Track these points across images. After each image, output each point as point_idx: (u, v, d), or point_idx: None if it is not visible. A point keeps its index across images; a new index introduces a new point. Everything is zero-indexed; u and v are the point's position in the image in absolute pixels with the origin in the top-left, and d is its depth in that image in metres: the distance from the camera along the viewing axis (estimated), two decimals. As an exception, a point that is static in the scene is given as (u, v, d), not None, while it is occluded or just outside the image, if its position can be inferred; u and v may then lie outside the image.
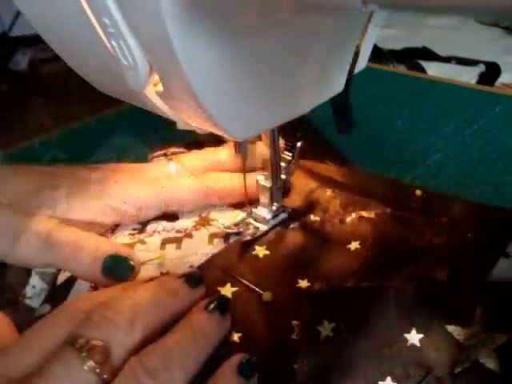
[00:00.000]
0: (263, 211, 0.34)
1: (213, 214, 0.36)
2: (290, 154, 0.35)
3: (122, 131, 0.54)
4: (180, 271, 0.31)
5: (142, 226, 0.35)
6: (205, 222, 0.35)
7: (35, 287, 0.32)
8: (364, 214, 0.34)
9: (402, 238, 0.32)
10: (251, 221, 0.34)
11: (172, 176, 0.37)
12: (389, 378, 0.24)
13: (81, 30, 0.23)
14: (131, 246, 0.34)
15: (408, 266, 0.29)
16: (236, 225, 0.34)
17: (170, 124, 0.29)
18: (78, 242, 0.30)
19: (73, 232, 0.31)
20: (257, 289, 0.29)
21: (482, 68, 0.76)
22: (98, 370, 0.22)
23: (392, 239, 0.32)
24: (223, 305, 0.26)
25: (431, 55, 0.81)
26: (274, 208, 0.34)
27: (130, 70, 0.22)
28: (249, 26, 0.21)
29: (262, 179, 0.34)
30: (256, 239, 0.33)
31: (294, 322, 0.27)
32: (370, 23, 0.27)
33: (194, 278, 0.28)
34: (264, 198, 0.34)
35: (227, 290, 0.30)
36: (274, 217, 0.34)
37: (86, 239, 0.31)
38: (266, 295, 0.29)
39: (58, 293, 0.32)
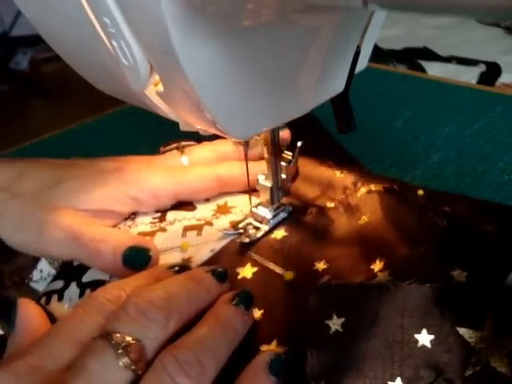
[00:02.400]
0: (263, 211, 0.34)
1: (230, 202, 0.37)
2: (291, 154, 0.35)
3: (122, 131, 0.54)
4: (201, 256, 0.32)
5: (162, 214, 0.36)
6: (224, 210, 0.36)
7: (43, 271, 0.33)
8: (372, 187, 0.34)
9: (410, 213, 0.32)
10: (251, 221, 0.34)
11: (185, 166, 0.38)
12: (399, 379, 0.23)
13: (81, 30, 0.23)
14: (152, 234, 0.34)
15: (419, 250, 0.29)
16: (234, 226, 0.34)
17: (171, 124, 0.29)
18: (101, 237, 0.31)
19: (96, 227, 0.32)
20: (277, 269, 0.30)
21: (482, 68, 0.76)
22: (133, 367, 0.22)
23: (400, 214, 0.32)
24: (248, 300, 0.27)
25: (431, 55, 0.81)
26: (275, 207, 0.34)
27: (131, 69, 0.22)
28: (249, 26, 0.21)
29: (262, 179, 0.34)
30: (256, 241, 0.33)
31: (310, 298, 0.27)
32: (371, 23, 0.27)
33: (220, 272, 0.29)
34: (264, 198, 0.34)
35: (247, 271, 0.30)
36: (274, 216, 0.34)
37: (108, 234, 0.31)
38: (288, 274, 0.30)
39: (72, 271, 0.32)
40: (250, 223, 0.34)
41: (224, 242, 0.33)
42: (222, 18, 0.20)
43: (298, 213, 0.35)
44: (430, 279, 0.27)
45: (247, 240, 0.33)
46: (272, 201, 0.34)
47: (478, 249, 0.29)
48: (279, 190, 0.34)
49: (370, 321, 0.25)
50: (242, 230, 0.34)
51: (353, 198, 0.34)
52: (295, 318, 0.27)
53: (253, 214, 0.35)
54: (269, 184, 0.34)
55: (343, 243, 0.32)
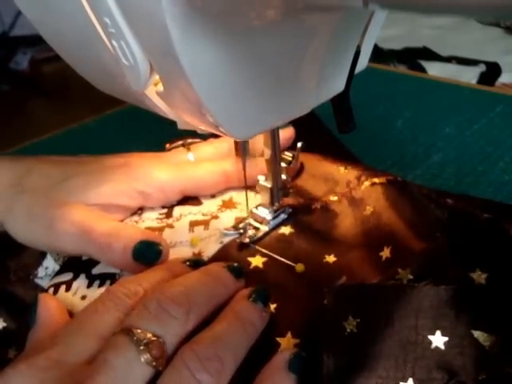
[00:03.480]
0: (263, 212, 0.34)
1: (235, 198, 0.37)
2: (291, 154, 0.35)
3: (122, 131, 0.54)
4: (211, 249, 0.32)
5: (168, 210, 0.36)
6: (229, 205, 0.36)
7: (48, 268, 0.33)
8: (376, 180, 0.35)
9: (415, 202, 0.32)
10: (251, 221, 0.34)
11: (192, 162, 0.38)
12: (411, 380, 0.23)
13: (81, 30, 0.23)
14: (160, 230, 0.34)
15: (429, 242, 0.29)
16: (235, 226, 0.34)
17: (171, 124, 0.29)
18: (111, 231, 0.31)
19: (106, 222, 0.32)
20: (287, 261, 0.30)
21: (482, 68, 0.76)
22: (154, 363, 0.22)
23: (404, 202, 0.32)
24: (265, 296, 0.27)
25: (432, 55, 0.81)
26: (275, 208, 0.34)
27: (131, 69, 0.22)
28: (249, 27, 0.21)
29: (262, 179, 0.34)
30: (256, 241, 0.33)
31: (325, 290, 0.27)
32: (371, 23, 0.27)
33: (237, 268, 0.29)
34: (264, 199, 0.34)
35: (258, 260, 0.31)
36: (274, 217, 0.34)
37: (118, 229, 0.31)
38: (299, 266, 0.30)
39: (82, 265, 0.32)
40: (250, 224, 0.34)
41: (234, 236, 0.33)
42: (223, 18, 0.20)
43: (303, 208, 0.35)
44: (450, 280, 0.26)
45: (247, 240, 0.33)
46: (272, 202, 0.34)
47: (500, 249, 0.28)
48: (279, 190, 0.34)
49: (384, 321, 0.25)
50: (241, 231, 0.34)
51: (357, 192, 0.35)
52: (309, 309, 0.27)
53: (253, 215, 0.34)
54: (269, 185, 0.34)
55: (350, 235, 0.32)
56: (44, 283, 0.33)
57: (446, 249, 0.29)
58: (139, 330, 0.23)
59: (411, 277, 0.28)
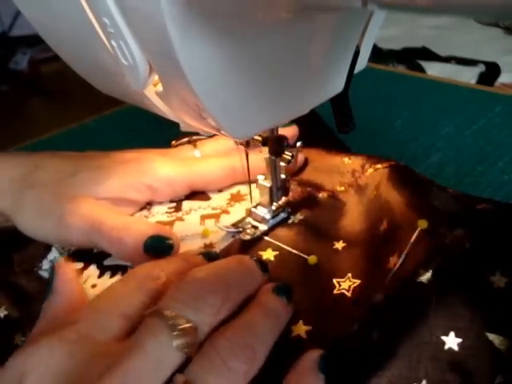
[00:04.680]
0: (263, 211, 0.34)
1: (243, 191, 0.37)
2: (290, 154, 0.35)
3: (121, 131, 0.54)
4: (223, 242, 0.33)
5: (177, 204, 0.37)
6: (238, 198, 0.37)
7: (52, 261, 0.34)
8: (379, 166, 0.35)
9: (418, 185, 0.33)
10: (250, 220, 0.34)
11: (199, 158, 0.38)
12: (424, 381, 0.23)
13: (81, 30, 0.23)
14: (171, 223, 0.35)
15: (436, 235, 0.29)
16: (235, 225, 0.34)
17: (170, 124, 0.29)
18: (122, 225, 0.31)
19: (116, 216, 0.32)
20: (299, 253, 0.31)
21: (481, 68, 0.76)
22: (186, 350, 0.22)
23: (407, 182, 0.33)
24: (288, 291, 0.27)
25: (431, 55, 0.81)
26: (274, 208, 0.34)
27: (130, 69, 0.22)
28: (249, 27, 0.21)
29: (261, 179, 0.34)
30: (256, 239, 0.33)
31: (335, 280, 0.28)
32: (370, 23, 0.27)
33: (264, 263, 0.29)
34: (264, 198, 0.34)
35: (269, 254, 0.31)
36: (273, 217, 0.34)
37: (129, 223, 0.31)
38: (312, 259, 0.30)
39: (93, 256, 0.33)
40: (249, 222, 0.34)
41: (232, 234, 0.33)
42: (222, 18, 0.20)
43: (310, 198, 0.35)
44: (468, 282, 0.26)
45: (248, 237, 0.33)
46: (271, 201, 0.34)
47: None
48: (278, 190, 0.34)
49: (399, 320, 0.25)
50: (241, 229, 0.34)
51: (362, 179, 0.35)
52: (319, 297, 0.28)
53: (252, 214, 0.35)
54: (268, 184, 0.34)
55: (357, 221, 0.33)
56: (47, 274, 0.33)
57: (467, 250, 0.28)
58: (174, 315, 0.23)
59: (431, 277, 0.27)
